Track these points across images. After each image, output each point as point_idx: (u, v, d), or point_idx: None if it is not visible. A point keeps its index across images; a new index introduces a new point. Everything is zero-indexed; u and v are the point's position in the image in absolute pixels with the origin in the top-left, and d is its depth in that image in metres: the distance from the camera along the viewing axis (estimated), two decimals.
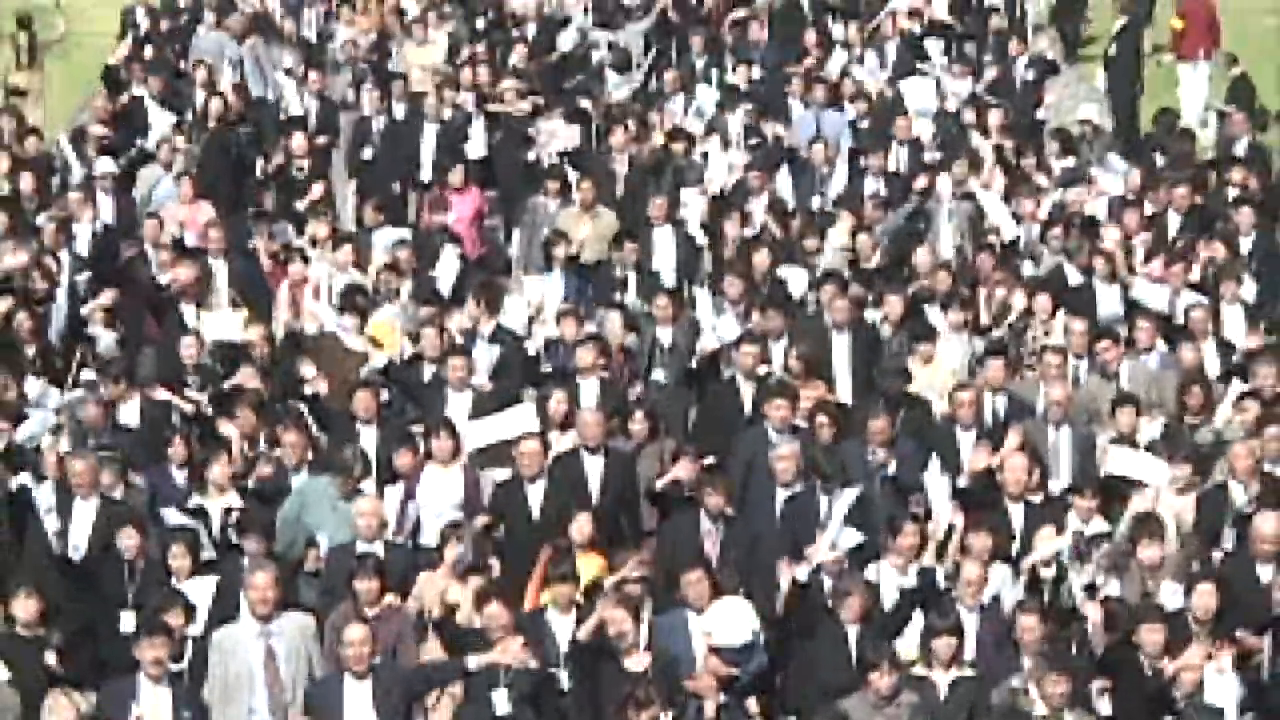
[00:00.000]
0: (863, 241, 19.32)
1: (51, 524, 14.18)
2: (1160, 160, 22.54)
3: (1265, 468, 14.94)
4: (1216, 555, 14.41)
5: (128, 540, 13.77)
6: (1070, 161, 21.73)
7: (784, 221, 20.33)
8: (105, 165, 20.91)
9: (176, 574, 13.56)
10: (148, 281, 18.58)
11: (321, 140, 22.45)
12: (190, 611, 12.93)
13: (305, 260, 18.53)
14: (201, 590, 13.35)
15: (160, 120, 22.54)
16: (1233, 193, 21.04)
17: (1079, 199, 20.72)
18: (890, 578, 13.58)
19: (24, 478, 14.82)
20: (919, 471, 15.01)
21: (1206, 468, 15.12)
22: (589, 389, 16.26)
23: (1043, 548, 13.83)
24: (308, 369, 16.25)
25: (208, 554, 14.17)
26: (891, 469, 15.12)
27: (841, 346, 17.11)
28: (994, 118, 22.58)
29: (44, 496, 14.39)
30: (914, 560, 13.73)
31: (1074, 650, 13.31)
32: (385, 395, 16.44)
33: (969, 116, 22.95)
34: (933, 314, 17.85)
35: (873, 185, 20.87)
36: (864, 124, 22.78)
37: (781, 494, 14.86)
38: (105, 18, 29.14)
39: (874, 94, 23.73)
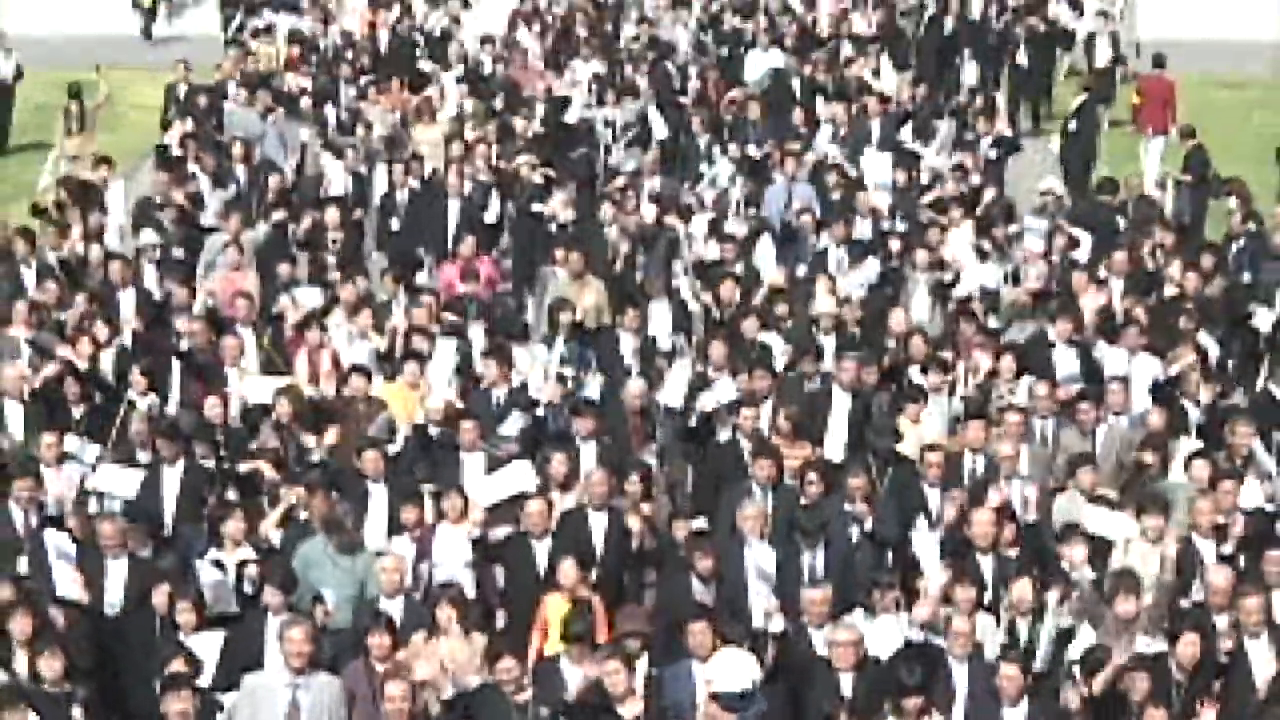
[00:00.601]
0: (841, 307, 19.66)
1: (66, 573, 14.33)
2: (1123, 224, 22.78)
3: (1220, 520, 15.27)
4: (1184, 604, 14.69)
5: (159, 598, 13.98)
6: (1014, 228, 21.95)
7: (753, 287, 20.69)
8: (148, 237, 21.19)
9: (183, 628, 13.69)
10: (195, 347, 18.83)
11: (355, 214, 23.00)
12: (195, 665, 13.06)
13: (324, 328, 18.64)
14: (209, 645, 13.51)
15: (214, 196, 22.95)
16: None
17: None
18: (881, 630, 13.78)
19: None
20: (898, 528, 15.20)
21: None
22: (588, 452, 16.37)
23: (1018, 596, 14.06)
24: (308, 439, 16.41)
25: (231, 607, 14.41)
26: (869, 525, 15.25)
27: (842, 407, 17.24)
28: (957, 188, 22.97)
29: (57, 541, 14.53)
30: (897, 614, 13.91)
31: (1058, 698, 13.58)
32: (396, 451, 16.51)
33: (944, 190, 23.18)
34: (915, 376, 17.91)
35: (837, 254, 21.03)
36: (834, 195, 23.05)
37: (753, 550, 14.90)
38: (144, 92, 30.13)
39: (840, 167, 24.08)
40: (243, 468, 16.31)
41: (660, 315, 19.83)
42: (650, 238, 21.77)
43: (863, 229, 22.13)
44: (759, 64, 29.06)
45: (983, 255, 21.55)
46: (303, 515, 15.45)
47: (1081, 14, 33.18)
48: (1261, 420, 17.31)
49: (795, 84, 28.29)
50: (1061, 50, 32.49)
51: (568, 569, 14.37)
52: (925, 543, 14.94)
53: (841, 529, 15.22)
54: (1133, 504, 15.40)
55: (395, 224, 22.74)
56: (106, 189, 23.40)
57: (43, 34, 36.23)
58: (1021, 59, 30.16)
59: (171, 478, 15.97)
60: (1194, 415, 17.63)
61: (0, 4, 38.01)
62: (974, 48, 30.95)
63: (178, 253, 21.60)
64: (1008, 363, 17.98)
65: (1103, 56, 30.91)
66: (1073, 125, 27.08)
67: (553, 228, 22.46)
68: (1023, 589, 14.11)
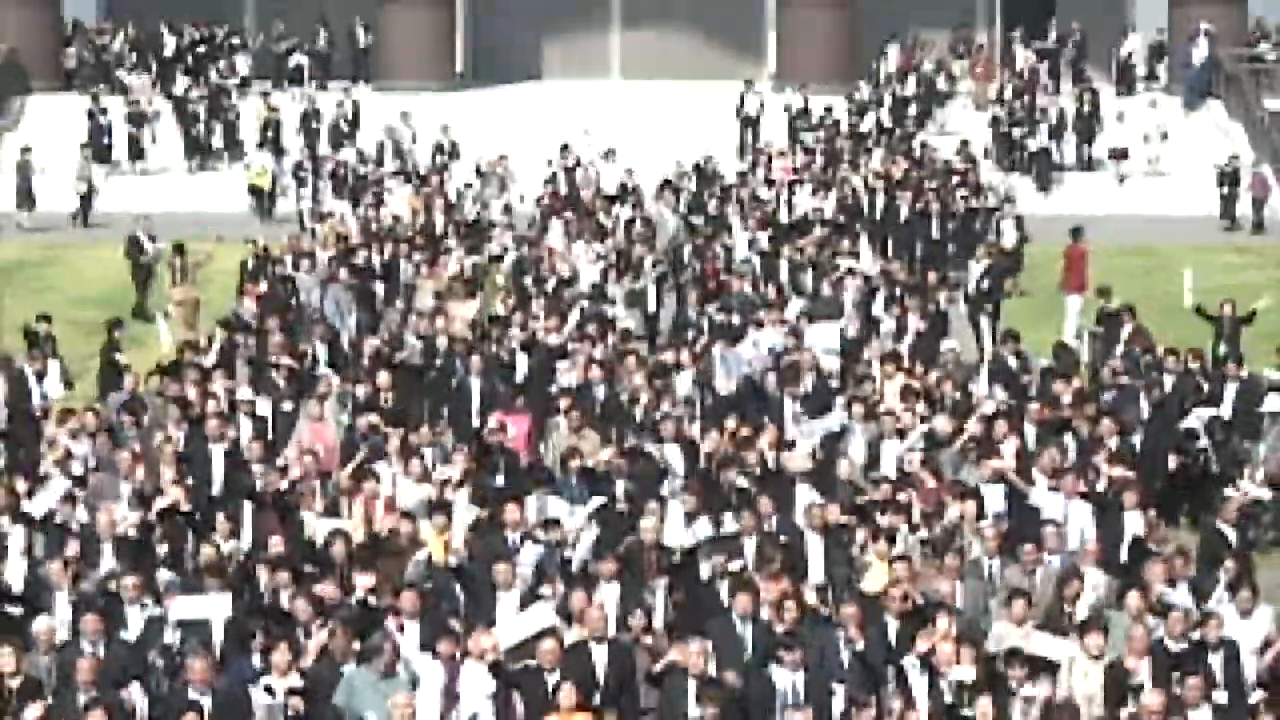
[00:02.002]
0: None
1: None
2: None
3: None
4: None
5: None
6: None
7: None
8: (247, 393, 22.14)
9: None
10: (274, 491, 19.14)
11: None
12: None
13: (377, 479, 19.10)
14: None
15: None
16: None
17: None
18: None
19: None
20: (884, 653, 15.68)
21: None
22: (610, 592, 16.67)
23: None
24: (364, 579, 16.63)
25: None
26: (860, 646, 15.62)
27: (816, 546, 17.68)
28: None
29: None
30: None
31: None
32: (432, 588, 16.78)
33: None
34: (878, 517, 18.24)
35: (792, 407, 21.83)
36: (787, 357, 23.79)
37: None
38: (222, 254, 31.56)
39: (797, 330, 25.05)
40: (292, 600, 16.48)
41: (673, 456, 20.41)
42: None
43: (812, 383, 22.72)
44: (744, 246, 30.51)
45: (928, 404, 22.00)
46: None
47: (985, 196, 35.12)
48: (1207, 551, 18.04)
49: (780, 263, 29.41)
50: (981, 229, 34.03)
51: (567, 692, 14.95)
52: (913, 673, 15.34)
53: (820, 654, 15.54)
54: (1074, 628, 15.84)
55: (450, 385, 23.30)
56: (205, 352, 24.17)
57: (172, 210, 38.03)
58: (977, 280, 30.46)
59: (223, 607, 16.15)
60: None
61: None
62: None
63: (263, 406, 22.11)
64: (970, 507, 18.11)
65: (1010, 238, 33.29)
66: (981, 286, 28.84)
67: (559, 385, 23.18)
68: (985, 706, 14.68)
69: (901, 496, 18.76)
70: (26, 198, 39.85)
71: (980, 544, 17.57)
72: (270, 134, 41.91)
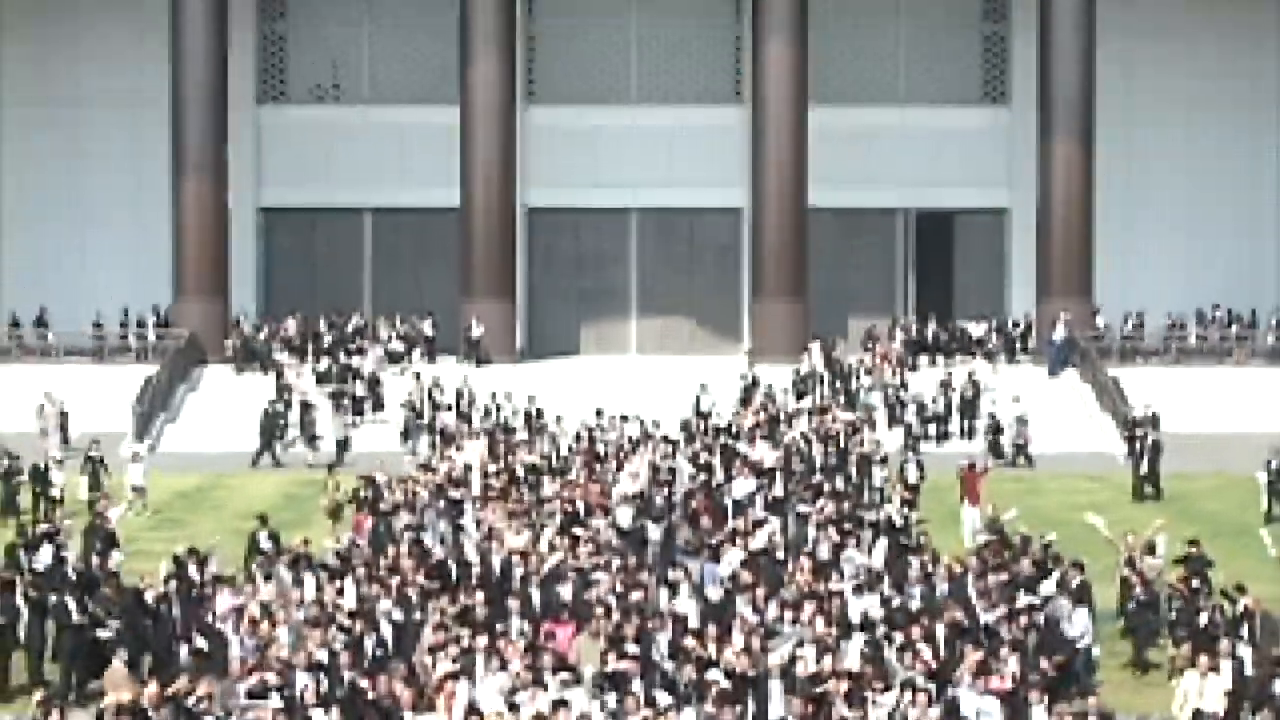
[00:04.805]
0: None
1: None
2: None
3: None
4: None
5: None
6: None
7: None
8: (386, 604, 21.19)
9: None
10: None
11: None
12: None
13: (457, 679, 18.60)
14: None
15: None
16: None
17: None
18: None
19: None
20: None
21: None
22: None
23: None
24: None
25: None
26: None
27: None
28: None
29: None
30: None
31: None
32: None
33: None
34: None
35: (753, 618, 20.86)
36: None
37: None
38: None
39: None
40: None
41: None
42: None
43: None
44: (741, 488, 30.51)
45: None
46: None
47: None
48: None
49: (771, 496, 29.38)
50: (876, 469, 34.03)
51: None
52: None
53: None
54: None
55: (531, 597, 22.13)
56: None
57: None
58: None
59: None
60: None
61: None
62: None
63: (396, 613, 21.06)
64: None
65: (913, 475, 34.00)
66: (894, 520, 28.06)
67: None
68: None
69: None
70: (311, 441, 41.11)
71: None
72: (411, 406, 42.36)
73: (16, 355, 49.16)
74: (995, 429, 42.03)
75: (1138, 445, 38.64)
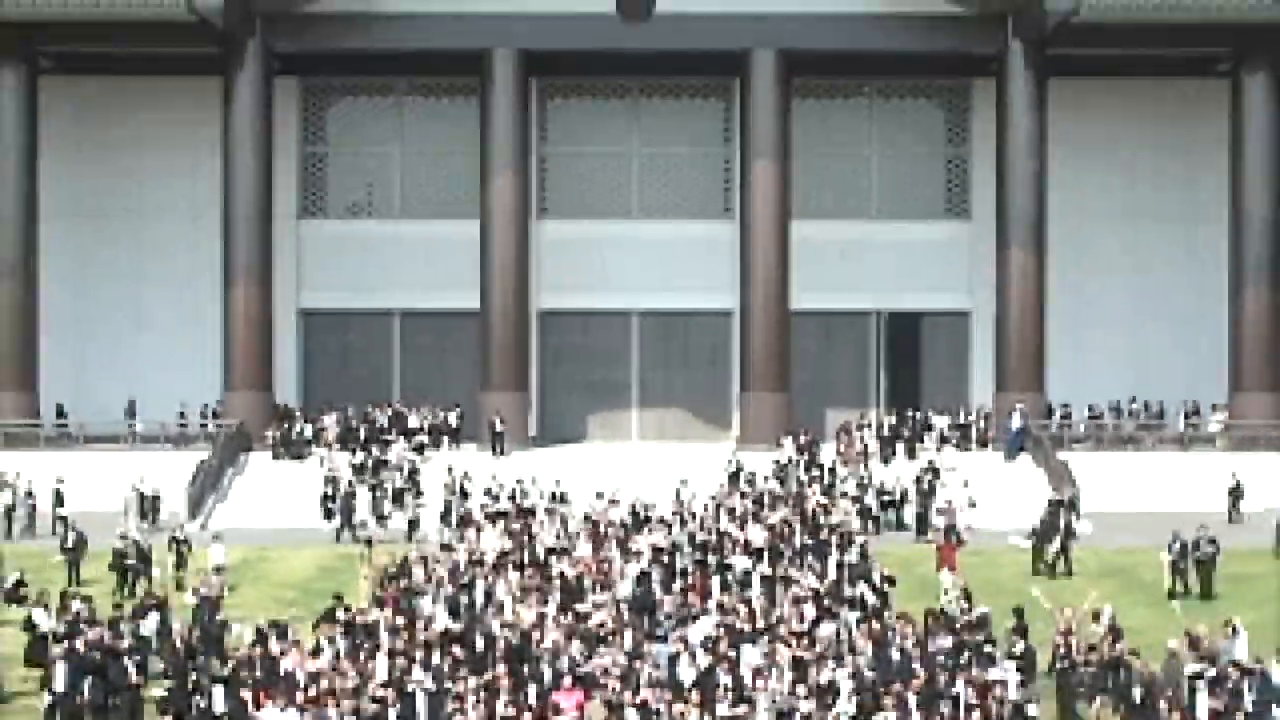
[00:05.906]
0: None
1: None
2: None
3: None
4: None
5: None
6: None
7: None
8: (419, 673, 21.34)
9: None
10: None
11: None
12: None
13: None
14: None
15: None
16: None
17: None
18: None
19: None
20: None
21: None
22: None
23: None
24: None
25: None
26: None
27: None
28: None
29: None
30: None
31: None
32: None
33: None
34: None
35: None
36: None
37: None
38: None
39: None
40: None
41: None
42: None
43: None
44: (739, 565, 30.13)
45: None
46: None
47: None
48: None
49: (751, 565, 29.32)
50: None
51: None
52: None
53: None
54: None
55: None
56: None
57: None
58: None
59: None
60: None
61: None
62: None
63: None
64: None
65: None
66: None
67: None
68: None
69: None
70: (380, 519, 40.97)
71: None
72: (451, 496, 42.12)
73: (81, 443, 50.38)
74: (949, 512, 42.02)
75: (1060, 525, 38.16)
